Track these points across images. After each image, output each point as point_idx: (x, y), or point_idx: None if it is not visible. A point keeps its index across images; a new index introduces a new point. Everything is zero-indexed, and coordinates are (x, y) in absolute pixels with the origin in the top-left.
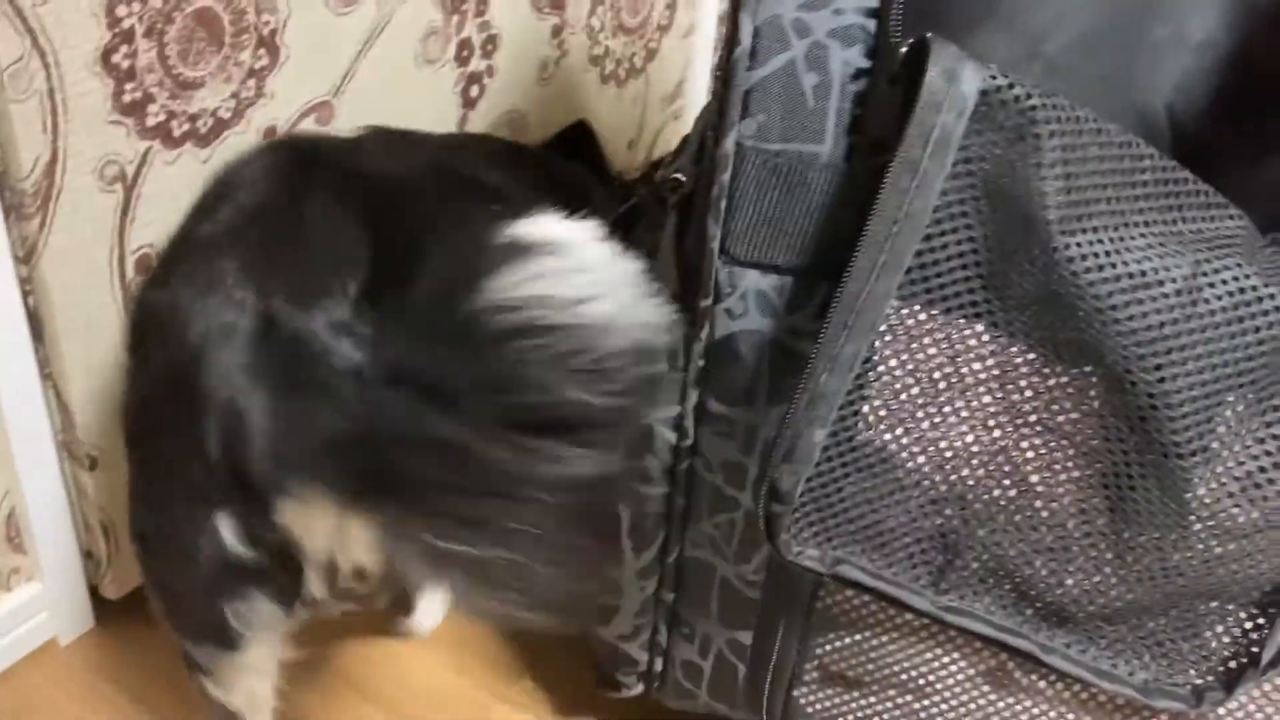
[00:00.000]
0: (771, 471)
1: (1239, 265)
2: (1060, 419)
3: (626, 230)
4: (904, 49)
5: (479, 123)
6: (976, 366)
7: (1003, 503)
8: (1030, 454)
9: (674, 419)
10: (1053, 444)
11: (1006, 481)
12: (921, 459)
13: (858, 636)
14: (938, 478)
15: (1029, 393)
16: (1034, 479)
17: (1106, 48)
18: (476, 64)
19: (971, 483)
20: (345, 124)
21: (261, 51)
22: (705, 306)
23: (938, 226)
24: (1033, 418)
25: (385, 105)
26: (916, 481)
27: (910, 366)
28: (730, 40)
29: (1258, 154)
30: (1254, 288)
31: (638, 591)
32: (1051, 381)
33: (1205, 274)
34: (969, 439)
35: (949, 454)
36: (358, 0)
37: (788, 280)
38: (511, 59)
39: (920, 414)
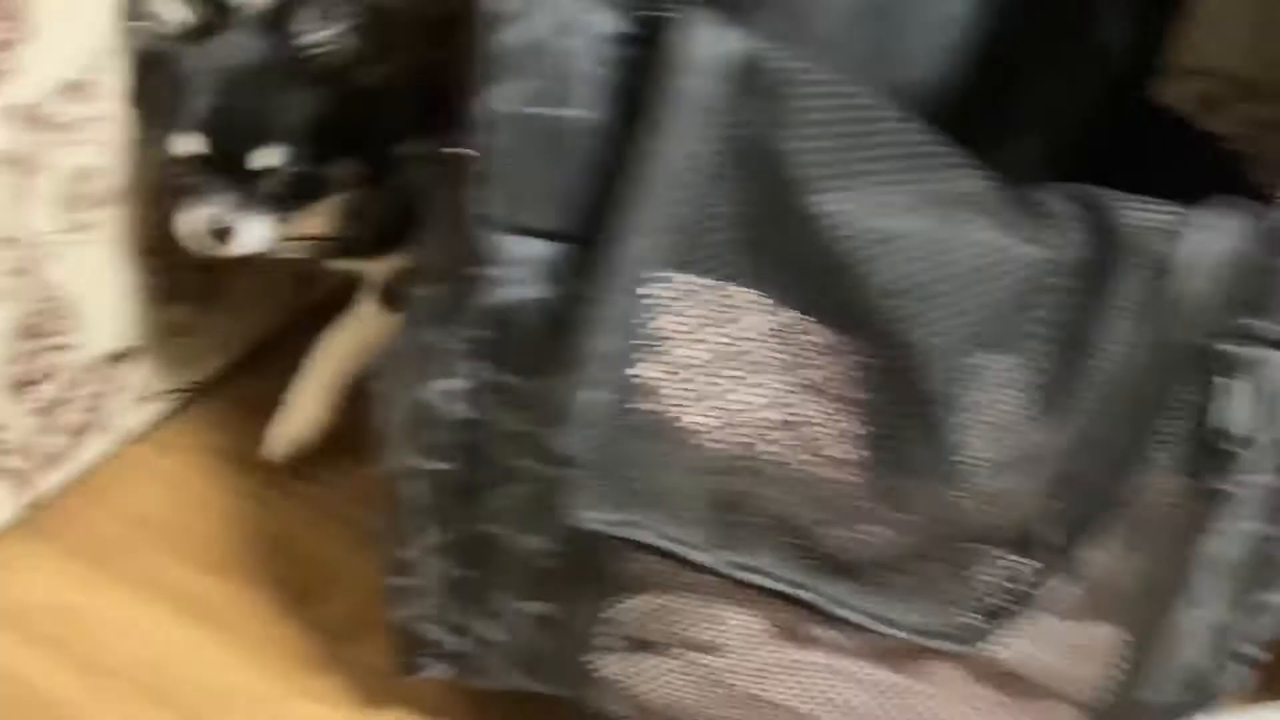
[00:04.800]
0: (551, 437)
1: (982, 220)
2: (832, 377)
3: None
4: (657, 14)
5: None
6: (751, 330)
7: (786, 463)
8: (807, 412)
9: (452, 391)
10: (827, 402)
11: (791, 443)
12: (702, 422)
13: (651, 599)
14: (718, 441)
15: (804, 354)
16: (812, 436)
17: (870, 26)
18: None
19: (752, 444)
20: None
21: None
22: (474, 274)
23: (694, 189)
24: (808, 377)
25: None
26: (698, 445)
27: (685, 330)
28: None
29: (1000, 131)
30: (995, 240)
31: (428, 570)
32: (820, 340)
33: (949, 229)
34: (748, 401)
35: (729, 417)
36: None
37: (561, 246)
38: None
39: (699, 377)
